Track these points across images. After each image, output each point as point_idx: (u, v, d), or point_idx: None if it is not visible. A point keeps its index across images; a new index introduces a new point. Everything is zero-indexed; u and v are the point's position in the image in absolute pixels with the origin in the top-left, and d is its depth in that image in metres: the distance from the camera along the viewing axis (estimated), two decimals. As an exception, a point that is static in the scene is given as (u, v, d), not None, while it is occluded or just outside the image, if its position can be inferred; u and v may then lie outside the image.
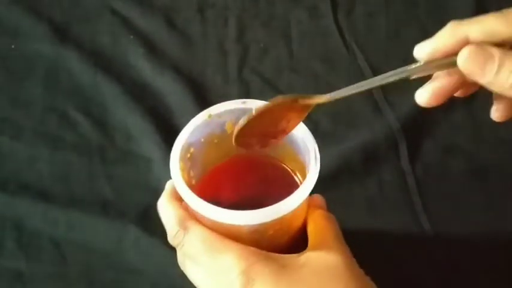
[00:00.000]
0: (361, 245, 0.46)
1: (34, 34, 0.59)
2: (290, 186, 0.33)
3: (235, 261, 0.32)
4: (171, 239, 0.35)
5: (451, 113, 0.53)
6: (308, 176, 0.33)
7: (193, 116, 0.37)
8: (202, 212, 0.32)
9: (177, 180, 0.34)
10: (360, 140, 0.51)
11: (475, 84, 0.33)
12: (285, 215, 0.32)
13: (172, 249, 0.45)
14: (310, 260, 0.33)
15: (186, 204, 0.34)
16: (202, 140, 0.37)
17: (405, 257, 0.45)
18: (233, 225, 0.33)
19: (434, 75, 0.36)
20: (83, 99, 0.55)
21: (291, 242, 0.37)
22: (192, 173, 0.37)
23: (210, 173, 0.39)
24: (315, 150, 0.34)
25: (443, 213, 0.47)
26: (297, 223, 0.37)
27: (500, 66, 0.31)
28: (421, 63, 0.35)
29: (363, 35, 0.59)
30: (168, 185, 0.36)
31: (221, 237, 0.33)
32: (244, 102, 0.37)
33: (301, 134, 0.36)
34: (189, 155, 0.36)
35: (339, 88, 0.56)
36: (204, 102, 0.53)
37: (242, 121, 0.33)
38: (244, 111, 0.36)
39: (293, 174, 0.39)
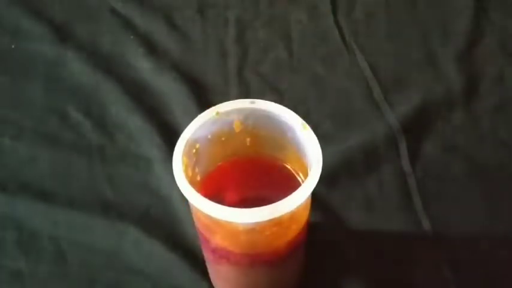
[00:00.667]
0: (361, 245, 0.46)
1: (34, 34, 0.59)
2: (293, 187, 0.33)
3: None
4: None
5: (451, 113, 0.53)
6: (308, 177, 0.33)
7: (193, 116, 0.37)
8: (199, 207, 0.33)
9: (177, 173, 0.34)
10: (360, 140, 0.51)
11: None
12: (282, 216, 0.32)
13: (172, 250, 0.45)
14: None
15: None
16: (209, 136, 0.37)
17: (405, 257, 0.45)
18: (229, 223, 0.33)
19: None
20: (83, 99, 0.55)
21: (290, 245, 0.37)
22: (197, 169, 0.37)
23: (215, 171, 0.40)
24: (317, 151, 0.34)
25: (443, 213, 0.47)
26: (296, 225, 0.37)
27: None
28: None
29: (363, 35, 0.59)
30: None
31: None
32: (252, 102, 0.37)
33: (304, 134, 0.36)
34: (194, 151, 0.36)
35: (339, 88, 0.56)
36: (204, 102, 0.53)
37: None
38: (252, 111, 0.37)
39: (296, 175, 0.39)
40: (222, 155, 0.39)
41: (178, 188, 0.33)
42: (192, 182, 0.35)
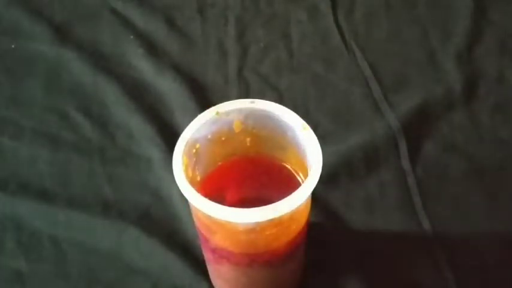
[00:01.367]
0: (361, 245, 0.46)
1: (34, 34, 0.59)
2: (293, 187, 0.33)
3: None
4: None
5: (451, 113, 0.53)
6: (308, 177, 0.33)
7: (193, 116, 0.37)
8: (199, 207, 0.33)
9: (177, 173, 0.34)
10: (360, 140, 0.51)
11: None
12: (282, 216, 0.32)
13: (172, 249, 0.45)
14: None
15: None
16: (209, 136, 0.37)
17: (405, 257, 0.45)
18: (229, 223, 0.33)
19: None
20: (83, 99, 0.55)
21: (290, 245, 0.37)
22: (197, 169, 0.37)
23: (215, 171, 0.40)
24: (317, 152, 0.34)
25: (443, 213, 0.47)
26: (297, 226, 0.37)
27: None
28: None
29: (363, 35, 0.59)
30: None
31: None
32: (253, 102, 0.37)
33: (304, 134, 0.36)
34: (194, 151, 0.36)
35: (339, 88, 0.56)
36: (204, 102, 0.53)
37: None
38: (252, 111, 0.37)
39: (296, 175, 0.39)
40: (222, 155, 0.39)
41: (178, 187, 0.33)
42: (192, 182, 0.35)
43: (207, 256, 0.40)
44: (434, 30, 0.60)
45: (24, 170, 0.50)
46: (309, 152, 0.35)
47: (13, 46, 0.59)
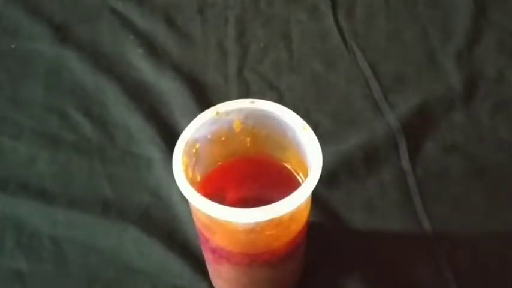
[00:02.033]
0: (361, 245, 0.46)
1: (34, 34, 0.59)
2: (293, 187, 0.33)
3: None
4: None
5: (451, 113, 0.53)
6: (308, 177, 0.33)
7: (193, 116, 0.37)
8: (199, 207, 0.33)
9: (177, 173, 0.34)
10: (360, 140, 0.51)
11: None
12: (282, 216, 0.32)
13: (172, 249, 0.45)
14: None
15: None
16: (209, 136, 0.37)
17: (405, 257, 0.45)
18: (229, 223, 0.33)
19: None
20: (83, 99, 0.55)
21: (290, 245, 0.37)
22: (197, 169, 0.37)
23: (215, 171, 0.40)
24: (317, 152, 0.34)
25: (443, 213, 0.47)
26: (297, 226, 0.37)
27: None
28: None
29: (363, 35, 0.59)
30: None
31: None
32: (253, 102, 0.37)
33: (304, 134, 0.36)
34: (194, 150, 0.36)
35: (339, 88, 0.56)
36: (204, 102, 0.53)
37: None
38: (252, 111, 0.37)
39: (296, 175, 0.39)
40: (222, 155, 0.39)
41: (178, 187, 0.33)
42: (192, 182, 0.35)
43: (207, 256, 0.40)
44: (434, 30, 0.60)
45: (24, 170, 0.50)
46: (309, 152, 0.35)
47: (13, 46, 0.59)
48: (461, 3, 0.61)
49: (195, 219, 0.38)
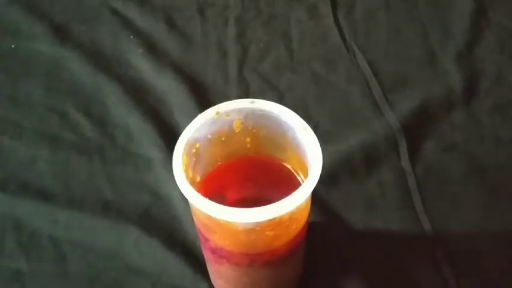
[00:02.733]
0: (361, 245, 0.46)
1: (34, 34, 0.59)
2: (293, 187, 0.33)
3: None
4: None
5: (451, 113, 0.53)
6: (308, 177, 0.33)
7: (193, 116, 0.37)
8: (199, 207, 0.32)
9: (177, 173, 0.34)
10: (360, 140, 0.51)
11: None
12: (282, 216, 0.32)
13: (172, 249, 0.45)
14: None
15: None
16: (209, 136, 0.37)
17: (405, 257, 0.45)
18: (229, 223, 0.33)
19: None
20: (83, 99, 0.55)
21: (290, 245, 0.37)
22: (197, 169, 0.37)
23: (215, 171, 0.39)
24: (317, 152, 0.34)
25: (443, 213, 0.47)
26: (297, 226, 0.37)
27: None
28: None
29: (362, 35, 0.59)
30: None
31: None
32: (252, 102, 0.37)
33: (304, 135, 0.36)
34: (194, 150, 0.36)
35: (339, 88, 0.56)
36: (204, 102, 0.53)
37: None
38: (252, 111, 0.37)
39: (296, 175, 0.39)
40: (222, 155, 0.39)
41: (178, 187, 0.33)
42: (192, 182, 0.34)
43: (207, 256, 0.40)
44: (434, 30, 0.60)
45: (24, 169, 0.50)
46: (309, 152, 0.35)
47: (13, 46, 0.59)
48: (461, 3, 0.61)
49: (195, 219, 0.38)
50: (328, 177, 0.48)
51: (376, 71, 0.56)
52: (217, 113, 0.37)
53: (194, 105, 0.53)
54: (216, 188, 0.39)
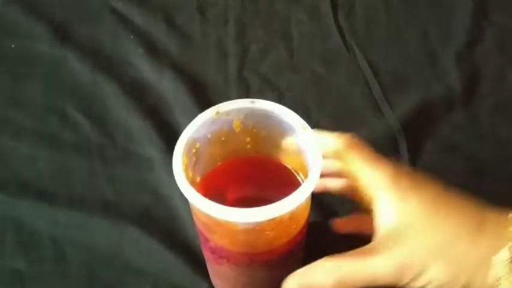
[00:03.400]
0: (361, 245, 0.46)
1: (34, 34, 0.59)
2: (293, 187, 0.33)
3: None
4: None
5: (451, 113, 0.53)
6: (308, 177, 0.33)
7: (193, 116, 0.37)
8: (198, 207, 0.32)
9: (177, 173, 0.34)
10: (359, 140, 0.51)
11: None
12: (282, 216, 0.32)
13: (172, 249, 0.45)
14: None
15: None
16: (209, 136, 0.37)
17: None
18: (228, 223, 0.33)
19: None
20: (83, 99, 0.55)
21: (290, 245, 0.37)
22: (197, 169, 0.37)
23: (215, 171, 0.39)
24: (317, 152, 0.34)
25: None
26: (297, 225, 0.36)
27: None
28: None
29: (362, 35, 0.59)
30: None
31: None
32: (253, 102, 0.37)
33: (304, 135, 0.36)
34: (194, 150, 0.36)
35: (339, 88, 0.56)
36: (204, 102, 0.53)
37: None
38: (252, 111, 0.37)
39: (296, 175, 0.39)
40: (221, 154, 0.39)
41: (178, 187, 0.33)
42: (192, 182, 0.34)
43: (207, 256, 0.40)
44: (434, 30, 0.60)
45: (24, 169, 0.50)
46: (308, 152, 0.35)
47: (13, 46, 0.59)
48: (461, 3, 0.61)
49: (195, 218, 0.38)
50: (328, 177, 0.48)
51: (376, 71, 0.56)
52: (217, 113, 0.37)
53: (194, 105, 0.53)
54: (216, 187, 0.39)
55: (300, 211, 0.35)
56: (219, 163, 0.40)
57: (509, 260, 0.31)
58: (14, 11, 0.61)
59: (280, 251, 0.37)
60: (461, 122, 0.53)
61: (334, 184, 0.40)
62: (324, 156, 0.34)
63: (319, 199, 0.47)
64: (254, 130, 0.38)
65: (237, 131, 0.38)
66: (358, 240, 0.46)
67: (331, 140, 0.35)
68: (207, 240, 0.37)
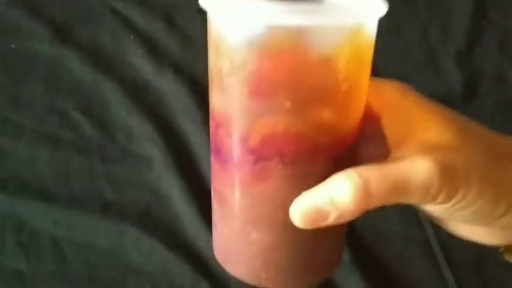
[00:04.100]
0: (360, 245, 0.46)
1: (34, 34, 0.59)
2: None
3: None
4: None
5: (451, 113, 0.53)
6: None
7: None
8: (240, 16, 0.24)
9: None
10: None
11: None
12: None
13: (172, 249, 0.45)
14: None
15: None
16: None
17: (405, 257, 0.45)
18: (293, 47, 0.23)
19: None
20: (83, 99, 0.55)
21: (354, 137, 0.28)
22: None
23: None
24: None
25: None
26: (357, 104, 0.28)
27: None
28: None
29: (363, 35, 0.59)
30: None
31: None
32: None
33: None
34: None
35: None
36: (204, 102, 0.53)
37: None
38: None
39: None
40: None
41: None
42: None
43: (239, 177, 0.27)
44: (434, 30, 0.60)
45: (24, 169, 0.50)
46: None
47: (13, 46, 0.59)
48: (461, 3, 0.61)
49: (220, 102, 0.28)
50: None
51: (376, 70, 0.56)
52: None
53: (194, 105, 0.53)
54: None
55: (360, 66, 0.28)
56: None
57: None
58: (15, 12, 0.61)
59: (347, 141, 0.28)
60: (461, 122, 0.53)
61: None
62: None
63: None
64: None
65: None
66: (359, 240, 0.46)
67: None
68: (244, 139, 0.26)
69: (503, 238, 0.29)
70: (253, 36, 0.24)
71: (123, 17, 0.61)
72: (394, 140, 0.29)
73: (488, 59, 0.57)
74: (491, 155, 0.28)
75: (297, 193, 0.27)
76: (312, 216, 0.26)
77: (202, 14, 0.65)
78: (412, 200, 0.27)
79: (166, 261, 0.44)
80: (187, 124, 0.51)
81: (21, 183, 0.49)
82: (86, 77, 0.56)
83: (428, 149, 0.27)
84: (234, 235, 0.29)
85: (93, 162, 0.51)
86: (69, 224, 0.47)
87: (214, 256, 0.40)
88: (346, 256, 0.45)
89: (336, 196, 0.26)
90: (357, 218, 0.48)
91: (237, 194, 0.28)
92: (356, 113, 0.28)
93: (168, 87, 0.55)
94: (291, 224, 0.27)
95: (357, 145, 0.29)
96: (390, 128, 0.29)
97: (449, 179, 0.26)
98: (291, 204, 0.27)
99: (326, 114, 0.26)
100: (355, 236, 0.47)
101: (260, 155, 0.26)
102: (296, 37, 0.24)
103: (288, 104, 0.25)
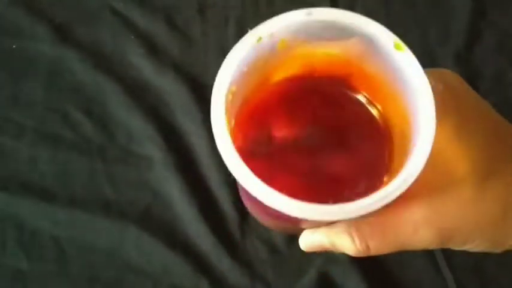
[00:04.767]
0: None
1: (35, 34, 0.59)
2: (368, 130, 0.24)
3: None
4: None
5: (451, 113, 0.53)
6: (418, 139, 0.22)
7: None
8: (255, 195, 0.23)
9: (222, 142, 0.25)
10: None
11: None
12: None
13: (173, 248, 0.45)
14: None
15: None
16: (245, 69, 0.28)
17: (405, 257, 0.45)
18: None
19: None
20: (83, 99, 0.55)
21: None
22: (232, 116, 0.28)
23: (251, 105, 0.29)
24: (427, 88, 0.23)
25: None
26: None
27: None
28: None
29: (363, 35, 0.59)
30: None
31: None
32: (309, 14, 0.27)
33: (398, 56, 0.23)
34: (231, 97, 0.27)
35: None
36: (204, 102, 0.54)
37: None
38: (306, 26, 0.28)
39: (369, 108, 0.28)
40: (258, 83, 0.29)
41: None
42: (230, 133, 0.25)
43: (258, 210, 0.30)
44: (434, 30, 0.60)
45: (25, 169, 0.50)
46: (405, 83, 0.24)
47: (14, 46, 0.59)
48: (461, 3, 0.61)
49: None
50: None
51: (376, 71, 0.56)
52: (259, 38, 0.28)
53: (194, 105, 0.53)
54: (256, 126, 0.29)
55: None
56: (258, 93, 0.29)
57: None
58: (15, 12, 0.61)
59: None
60: (461, 122, 0.53)
61: None
62: None
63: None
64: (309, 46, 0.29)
65: (279, 48, 0.29)
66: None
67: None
68: (263, 208, 0.28)
69: None
70: None
71: (123, 17, 0.61)
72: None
73: (488, 59, 0.57)
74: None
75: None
76: (317, 249, 0.32)
77: (202, 14, 0.65)
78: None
79: (166, 261, 0.45)
80: (187, 124, 0.51)
81: (22, 183, 0.49)
82: (87, 77, 0.56)
83: (433, 214, 0.27)
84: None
85: (94, 162, 0.51)
86: (70, 223, 0.47)
87: (214, 255, 0.40)
88: (346, 256, 0.45)
89: (339, 248, 0.30)
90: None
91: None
92: None
93: (169, 88, 0.55)
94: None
95: None
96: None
97: (453, 244, 0.29)
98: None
99: None
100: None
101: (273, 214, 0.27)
102: None
103: None
